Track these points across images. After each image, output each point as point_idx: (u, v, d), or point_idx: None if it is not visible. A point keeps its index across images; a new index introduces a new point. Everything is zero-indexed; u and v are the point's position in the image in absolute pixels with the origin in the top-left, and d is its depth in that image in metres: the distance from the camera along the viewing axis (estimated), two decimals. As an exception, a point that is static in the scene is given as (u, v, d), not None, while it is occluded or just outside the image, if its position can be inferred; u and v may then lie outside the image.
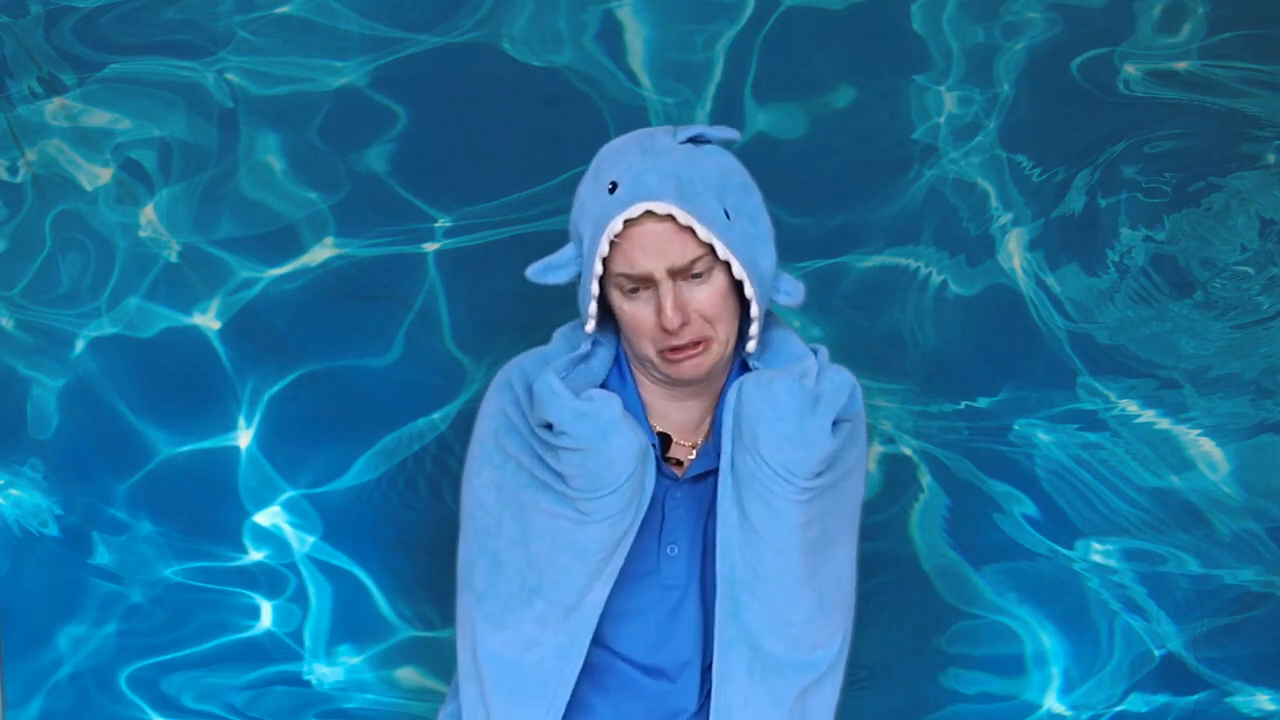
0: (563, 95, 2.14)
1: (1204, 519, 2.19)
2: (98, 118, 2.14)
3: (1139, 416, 2.18)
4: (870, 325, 2.17)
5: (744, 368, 1.63)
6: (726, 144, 1.57)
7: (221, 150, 2.15)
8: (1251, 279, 2.17)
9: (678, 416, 1.63)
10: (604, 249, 1.50)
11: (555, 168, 2.12)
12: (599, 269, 1.51)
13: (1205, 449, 2.19)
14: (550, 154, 2.13)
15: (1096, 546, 2.20)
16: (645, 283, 1.51)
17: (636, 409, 1.61)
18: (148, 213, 2.16)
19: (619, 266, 1.51)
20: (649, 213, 1.48)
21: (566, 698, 1.56)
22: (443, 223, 2.18)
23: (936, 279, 2.18)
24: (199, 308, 2.17)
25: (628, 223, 1.49)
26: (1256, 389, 2.18)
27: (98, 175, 2.15)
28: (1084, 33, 2.13)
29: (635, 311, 1.54)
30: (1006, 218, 2.17)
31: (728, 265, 1.51)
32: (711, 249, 1.49)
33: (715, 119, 2.12)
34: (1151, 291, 2.17)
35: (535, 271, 1.58)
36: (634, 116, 2.11)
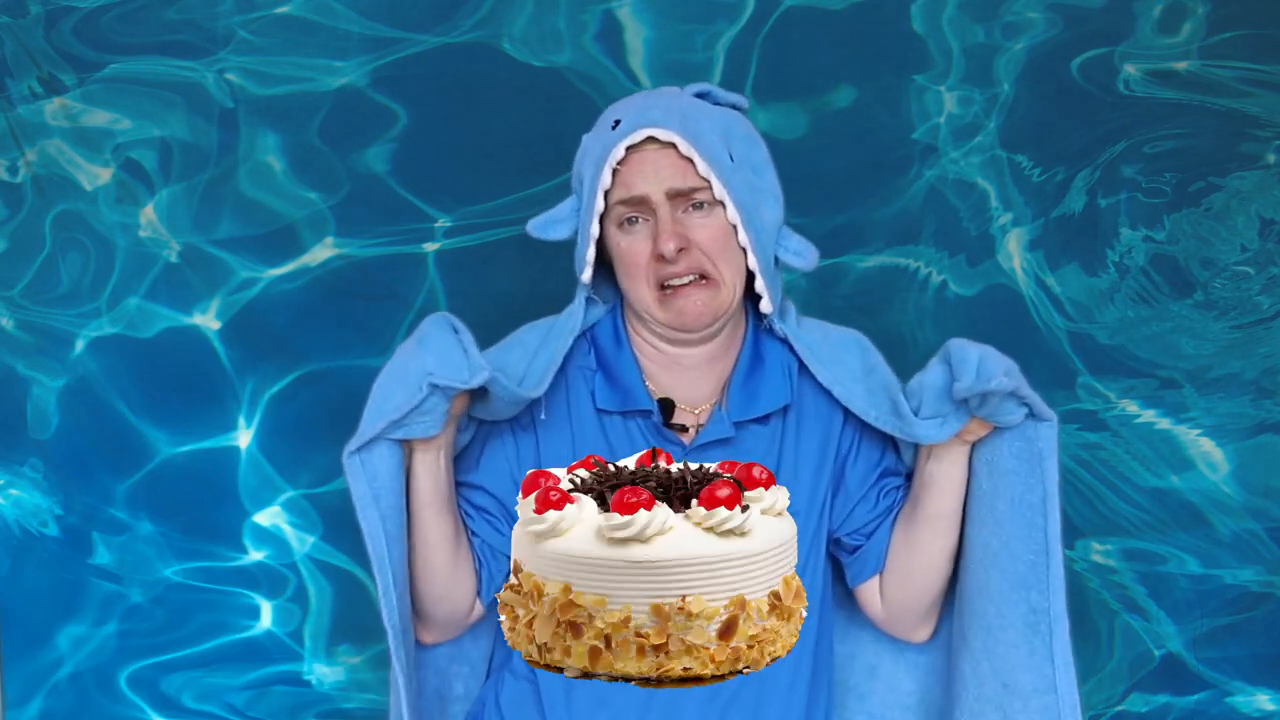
0: (563, 95, 2.14)
1: (1204, 519, 2.19)
2: (98, 118, 2.14)
3: (1139, 416, 2.18)
4: (870, 325, 2.14)
5: (755, 343, 1.59)
6: (734, 107, 1.56)
7: (221, 150, 2.15)
8: (1251, 279, 2.16)
9: (684, 391, 1.58)
10: (606, 180, 1.46)
11: (555, 168, 2.12)
12: (600, 205, 1.48)
13: (1205, 449, 2.18)
14: (550, 154, 2.13)
15: (1096, 546, 2.20)
16: (642, 208, 1.47)
17: (632, 375, 1.56)
18: (148, 213, 2.16)
19: (617, 194, 1.47)
20: (651, 139, 1.46)
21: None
22: (443, 223, 2.18)
23: (936, 279, 2.18)
24: (199, 308, 2.17)
25: (629, 149, 1.46)
26: (1256, 389, 2.17)
27: (98, 175, 2.15)
28: (1084, 33, 2.13)
29: (631, 245, 1.49)
30: (1006, 218, 2.17)
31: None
32: (711, 185, 1.47)
33: (715, 119, 2.13)
34: (1151, 291, 2.17)
35: (536, 226, 1.55)
36: (634, 116, 2.11)
